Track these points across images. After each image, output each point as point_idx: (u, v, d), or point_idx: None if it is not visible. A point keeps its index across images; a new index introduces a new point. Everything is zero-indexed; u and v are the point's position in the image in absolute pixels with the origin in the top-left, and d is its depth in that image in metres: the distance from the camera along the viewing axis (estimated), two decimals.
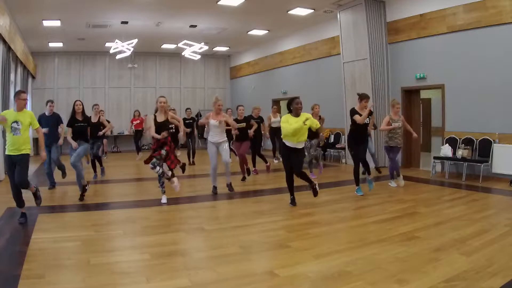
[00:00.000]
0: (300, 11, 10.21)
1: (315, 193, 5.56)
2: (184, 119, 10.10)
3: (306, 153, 7.63)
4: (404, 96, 9.22)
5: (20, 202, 4.74)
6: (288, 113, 5.48)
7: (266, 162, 8.90)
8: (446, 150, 7.80)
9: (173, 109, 9.21)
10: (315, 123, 5.45)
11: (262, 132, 9.13)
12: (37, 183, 7.34)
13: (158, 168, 5.71)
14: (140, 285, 2.98)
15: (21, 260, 3.45)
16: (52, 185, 7.10)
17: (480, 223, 4.54)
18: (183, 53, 13.11)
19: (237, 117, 7.83)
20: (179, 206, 5.73)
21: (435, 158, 8.16)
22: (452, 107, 8.12)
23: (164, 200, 5.86)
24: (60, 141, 6.64)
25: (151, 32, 12.14)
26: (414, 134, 7.29)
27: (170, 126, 6.07)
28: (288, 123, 5.29)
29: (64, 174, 7.24)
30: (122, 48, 11.65)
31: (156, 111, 5.89)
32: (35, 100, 13.67)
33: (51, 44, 13.36)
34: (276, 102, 14.15)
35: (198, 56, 13.14)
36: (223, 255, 3.61)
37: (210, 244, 4.05)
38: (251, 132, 7.78)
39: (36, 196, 4.90)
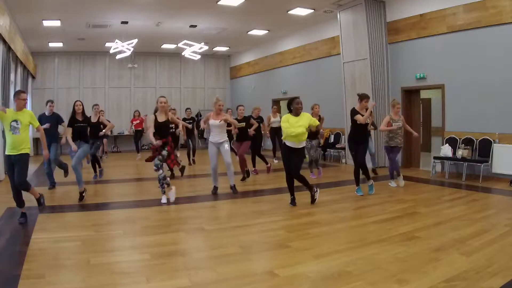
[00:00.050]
0: (300, 11, 10.21)
1: (313, 201, 5.58)
2: (184, 119, 10.10)
3: (306, 154, 7.64)
4: (404, 96, 9.22)
5: (20, 202, 4.74)
6: (288, 113, 5.48)
7: (267, 163, 8.90)
8: (446, 150, 7.80)
9: (173, 109, 9.22)
10: (314, 122, 5.45)
11: (262, 132, 9.14)
12: (37, 183, 7.37)
13: (161, 171, 5.73)
14: (140, 285, 2.98)
15: (21, 260, 3.45)
16: (52, 185, 7.10)
17: (480, 223, 4.54)
18: (183, 53, 13.11)
19: (237, 117, 7.83)
20: (179, 206, 5.73)
21: (435, 158, 8.16)
22: (452, 107, 8.12)
23: (164, 200, 5.86)
24: (63, 140, 6.57)
25: (151, 32, 12.15)
26: (415, 134, 7.31)
27: (170, 126, 6.07)
28: (288, 123, 5.29)
29: (66, 173, 7.20)
30: (122, 48, 11.65)
31: (156, 111, 5.89)
32: (35, 100, 13.69)
33: (51, 44, 13.36)
34: (276, 102, 14.15)
35: (198, 56, 13.14)
36: (223, 255, 3.61)
37: (210, 244, 4.05)
38: (251, 130, 7.78)
39: (39, 202, 4.89)
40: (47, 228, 4.52)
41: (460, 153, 7.55)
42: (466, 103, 7.79)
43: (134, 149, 12.74)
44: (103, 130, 8.18)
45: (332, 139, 11.14)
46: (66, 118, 6.76)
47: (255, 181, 7.86)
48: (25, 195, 4.78)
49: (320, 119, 7.80)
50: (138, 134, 12.42)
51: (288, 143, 5.37)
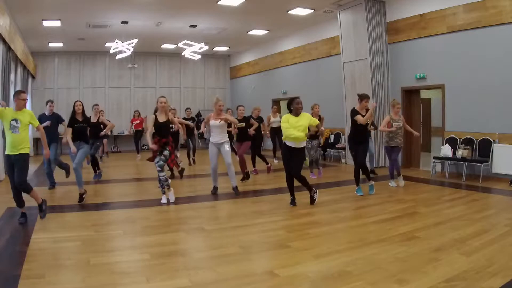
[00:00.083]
0: (300, 11, 10.21)
1: (312, 201, 5.59)
2: (184, 119, 10.10)
3: (306, 153, 7.64)
4: (404, 96, 9.22)
5: (20, 202, 4.74)
6: (288, 112, 5.48)
7: (267, 163, 8.90)
8: (446, 150, 7.80)
9: (174, 109, 9.23)
10: (314, 121, 5.46)
11: (262, 132, 9.13)
12: (37, 183, 7.37)
13: (163, 173, 5.74)
14: (140, 285, 2.98)
15: (21, 260, 3.45)
16: (52, 185, 7.10)
17: (480, 223, 4.54)
18: (183, 53, 13.11)
19: (237, 117, 7.83)
20: (179, 206, 5.73)
21: (435, 158, 8.16)
22: (452, 107, 8.12)
23: (164, 200, 5.86)
24: (64, 140, 6.53)
25: (151, 32, 12.14)
26: (416, 133, 7.33)
27: (170, 126, 6.07)
28: (288, 123, 5.29)
29: (68, 174, 7.17)
30: (122, 48, 11.65)
31: (156, 111, 5.89)
32: (35, 100, 13.68)
33: (51, 44, 13.36)
34: (276, 102, 14.15)
35: (198, 56, 13.14)
36: (223, 255, 3.61)
37: (210, 244, 4.05)
38: (251, 130, 7.78)
39: (41, 208, 4.85)
40: (47, 228, 4.52)
41: (460, 153, 7.55)
42: (466, 103, 7.79)
43: (134, 149, 12.73)
44: (104, 130, 8.19)
45: (332, 139, 11.14)
46: (66, 118, 6.76)
47: (255, 181, 7.86)
48: (25, 195, 4.77)
49: (320, 119, 7.81)
50: (138, 134, 12.42)
51: (288, 143, 5.38)
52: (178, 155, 8.63)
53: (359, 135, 6.22)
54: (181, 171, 8.17)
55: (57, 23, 10.58)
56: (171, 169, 7.93)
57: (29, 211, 4.90)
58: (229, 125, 7.04)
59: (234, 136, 7.73)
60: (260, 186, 7.46)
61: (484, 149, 7.43)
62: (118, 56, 12.67)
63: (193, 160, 10.45)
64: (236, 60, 17.21)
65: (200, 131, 7.23)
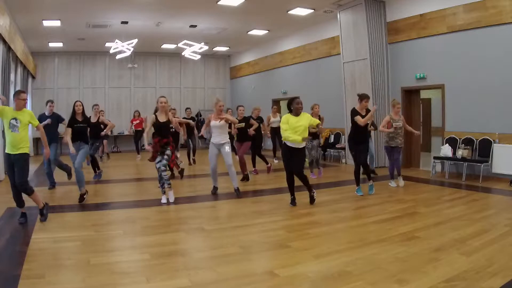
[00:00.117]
0: (300, 11, 10.21)
1: (312, 201, 5.59)
2: (184, 119, 10.09)
3: (307, 153, 7.64)
4: (404, 96, 9.22)
5: (20, 202, 4.74)
6: (289, 112, 5.48)
7: (267, 163, 8.90)
8: (446, 150, 7.80)
9: (174, 109, 9.23)
10: (314, 121, 5.46)
11: (262, 132, 9.13)
12: (37, 183, 7.37)
13: (165, 173, 5.75)
14: (140, 285, 2.98)
15: (21, 260, 3.45)
16: (52, 185, 7.10)
17: (480, 223, 4.54)
18: (183, 53, 13.11)
19: (237, 117, 7.83)
20: (179, 206, 5.73)
21: (435, 158, 8.16)
22: (452, 107, 8.12)
23: (164, 200, 5.86)
24: (65, 139, 6.51)
25: (151, 32, 12.15)
26: (416, 132, 7.34)
27: (170, 126, 6.07)
28: (287, 124, 5.29)
29: (69, 176, 7.13)
30: (122, 48, 11.65)
31: (156, 111, 5.89)
32: (35, 100, 13.68)
33: (51, 44, 13.36)
34: (276, 102, 14.15)
35: (198, 56, 13.14)
36: (223, 255, 3.61)
37: (210, 244, 4.05)
38: (251, 130, 7.77)
39: (42, 213, 4.81)
40: (47, 228, 4.52)
41: (460, 153, 7.55)
42: (466, 103, 7.79)
43: (134, 149, 12.73)
44: (104, 130, 8.20)
45: (332, 139, 11.14)
46: (66, 118, 6.75)
47: (255, 181, 7.86)
48: (25, 195, 4.77)
49: (320, 119, 7.81)
50: (138, 134, 12.40)
51: (288, 143, 5.38)
52: (178, 155, 8.63)
53: (359, 135, 6.22)
54: (181, 171, 8.18)
55: (57, 23, 10.58)
56: (171, 169, 7.93)
57: (29, 211, 4.90)
58: (230, 126, 7.03)
59: (235, 136, 7.73)
60: (260, 186, 7.46)
61: (484, 149, 7.43)
62: (118, 56, 12.67)
63: (193, 160, 10.45)
64: (236, 60, 17.21)
65: (200, 134, 7.22)
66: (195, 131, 10.51)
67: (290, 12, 10.21)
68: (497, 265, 3.19)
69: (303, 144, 5.44)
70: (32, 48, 13.51)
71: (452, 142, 7.90)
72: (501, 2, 7.02)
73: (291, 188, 5.61)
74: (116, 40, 11.50)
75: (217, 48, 15.61)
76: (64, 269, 3.31)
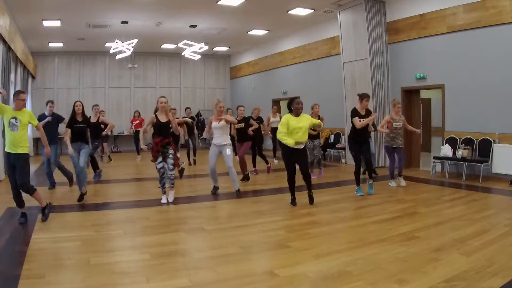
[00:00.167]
0: (300, 11, 10.21)
1: (311, 201, 5.60)
2: (183, 118, 10.08)
3: (308, 153, 7.65)
4: (404, 96, 9.22)
5: (20, 202, 4.74)
6: (289, 113, 5.48)
7: (267, 163, 8.90)
8: (446, 150, 7.80)
9: (174, 109, 9.23)
10: (314, 121, 5.47)
11: (263, 132, 9.13)
12: (37, 183, 7.36)
13: (173, 172, 5.81)
14: (140, 285, 2.98)
15: (21, 260, 3.45)
16: (52, 185, 7.10)
17: (480, 223, 4.54)
18: (183, 53, 13.11)
19: (237, 118, 7.83)
20: (179, 206, 5.73)
21: (435, 158, 8.16)
22: (452, 107, 8.12)
23: (164, 200, 5.87)
24: (65, 138, 6.50)
25: (151, 32, 12.14)
26: (417, 130, 7.35)
27: (170, 126, 6.07)
28: (287, 126, 5.29)
29: (71, 182, 7.09)
30: (122, 48, 11.65)
31: (156, 111, 5.89)
32: (35, 100, 13.68)
33: (51, 44, 13.36)
34: (276, 102, 14.15)
35: (198, 56, 13.14)
36: (223, 255, 3.61)
37: (210, 244, 4.05)
38: (250, 130, 7.76)
39: (43, 212, 4.81)
40: (47, 228, 4.52)
41: (460, 153, 7.55)
42: (466, 103, 7.79)
43: (134, 149, 12.73)
44: (105, 130, 8.22)
45: (332, 139, 11.14)
46: (66, 118, 6.74)
47: (255, 181, 7.86)
48: (25, 195, 4.77)
49: (319, 119, 7.81)
50: (138, 134, 12.35)
51: (291, 145, 5.36)
52: (178, 155, 8.63)
53: (359, 135, 6.22)
54: (181, 171, 8.18)
55: (57, 23, 10.58)
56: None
57: (29, 211, 4.90)
58: (231, 127, 7.03)
59: (235, 136, 7.73)
60: (260, 186, 7.46)
61: (484, 149, 7.43)
62: (118, 56, 12.67)
63: (194, 160, 10.42)
64: (236, 60, 17.21)
65: (202, 137, 7.21)
66: (195, 131, 10.51)
67: (290, 12, 10.21)
68: (497, 265, 3.19)
69: (302, 145, 5.44)
70: (32, 48, 13.52)
71: (452, 142, 7.90)
72: (501, 2, 7.02)
73: (292, 188, 5.61)
74: (116, 40, 11.50)
75: (217, 48, 15.61)
76: (64, 269, 3.31)
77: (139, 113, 12.95)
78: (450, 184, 7.21)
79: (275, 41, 13.96)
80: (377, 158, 9.20)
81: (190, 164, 10.21)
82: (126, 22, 10.92)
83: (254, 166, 8.79)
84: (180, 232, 4.47)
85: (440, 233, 4.19)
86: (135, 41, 11.53)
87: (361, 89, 8.91)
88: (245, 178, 7.76)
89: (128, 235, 4.37)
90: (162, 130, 5.78)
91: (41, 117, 6.79)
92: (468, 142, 7.67)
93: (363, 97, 6.20)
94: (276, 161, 10.54)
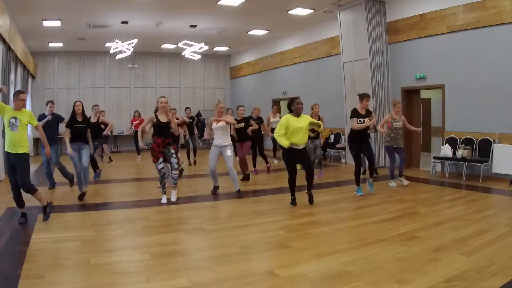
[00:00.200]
0: (300, 11, 10.21)
1: (311, 201, 5.60)
2: (184, 118, 10.08)
3: (312, 153, 7.66)
4: (404, 96, 9.21)
5: (20, 202, 4.74)
6: (289, 113, 5.48)
7: (267, 163, 8.90)
8: (446, 150, 7.80)
9: (174, 109, 9.23)
10: (314, 122, 5.48)
11: (263, 132, 9.13)
12: (37, 183, 7.35)
13: (177, 172, 5.85)
14: (140, 285, 2.98)
15: (21, 260, 3.45)
16: (52, 185, 7.10)
17: (480, 223, 4.54)
18: (183, 53, 13.11)
19: (236, 117, 7.83)
20: (179, 206, 5.73)
21: (435, 158, 8.16)
22: (452, 107, 8.12)
23: (164, 200, 5.86)
24: (65, 138, 6.49)
25: (151, 32, 12.14)
26: (418, 129, 7.35)
27: (170, 126, 6.07)
28: (286, 127, 5.28)
29: (71, 183, 7.10)
30: (122, 48, 11.65)
31: (156, 111, 5.89)
32: (35, 100, 13.68)
33: (51, 44, 13.36)
34: (276, 102, 14.15)
35: (198, 56, 13.13)
36: (223, 255, 3.61)
37: (210, 244, 4.05)
38: (249, 130, 7.75)
39: (45, 211, 4.82)
40: (47, 228, 4.52)
41: (460, 153, 7.55)
42: (466, 103, 7.79)
43: (134, 150, 12.72)
44: (106, 129, 8.22)
45: (332, 139, 11.14)
46: (66, 118, 6.74)
47: (255, 181, 7.85)
48: (25, 195, 4.77)
49: (319, 119, 7.82)
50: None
51: (293, 146, 5.36)
52: (179, 155, 8.62)
53: (359, 135, 6.22)
54: (181, 171, 8.17)
55: (57, 23, 10.58)
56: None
57: (29, 211, 4.90)
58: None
59: (234, 136, 7.72)
60: (260, 186, 7.46)
61: (484, 149, 7.43)
62: (118, 56, 12.66)
63: (194, 161, 10.41)
64: (236, 60, 17.21)
65: (203, 138, 7.21)
66: (195, 131, 10.50)
67: (290, 12, 10.21)
68: (497, 265, 3.19)
69: (302, 146, 5.44)
70: (32, 48, 13.51)
71: (452, 142, 7.90)
72: (501, 2, 7.02)
73: (293, 188, 5.60)
74: (116, 40, 11.50)
75: (217, 48, 15.61)
76: (64, 269, 3.31)
77: (139, 113, 12.96)
78: (450, 184, 7.21)
79: (275, 41, 13.96)
80: (377, 158, 9.19)
81: (190, 164, 10.21)
82: (126, 22, 10.92)
83: (254, 166, 8.79)
84: (180, 232, 4.47)
85: (440, 233, 4.19)
86: (135, 41, 11.53)
87: (361, 89, 8.91)
88: (245, 178, 7.75)
89: (128, 235, 4.37)
90: (162, 130, 5.78)
91: (41, 117, 6.79)
92: (468, 142, 7.67)
93: (363, 97, 6.20)
94: (276, 161, 10.53)
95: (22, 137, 4.64)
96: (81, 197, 5.98)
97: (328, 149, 11.02)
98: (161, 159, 5.75)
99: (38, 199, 4.77)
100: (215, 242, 4.06)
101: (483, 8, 7.29)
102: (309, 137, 5.89)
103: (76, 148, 6.16)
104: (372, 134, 8.39)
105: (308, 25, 11.68)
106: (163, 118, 5.80)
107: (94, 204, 5.85)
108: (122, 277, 3.12)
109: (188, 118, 10.45)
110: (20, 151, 4.60)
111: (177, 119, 8.34)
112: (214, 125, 6.28)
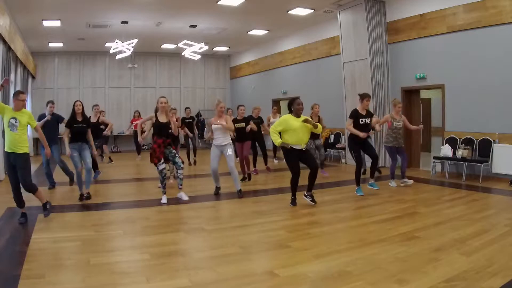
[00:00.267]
0: (300, 11, 10.21)
1: (314, 201, 5.59)
2: (184, 118, 10.09)
3: (317, 153, 7.65)
4: (404, 96, 9.21)
5: (20, 202, 4.74)
6: (289, 113, 5.48)
7: (266, 164, 8.90)
8: (446, 150, 7.80)
9: (174, 109, 9.22)
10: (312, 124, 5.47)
11: (263, 132, 9.13)
12: (36, 183, 7.34)
13: (182, 171, 5.90)
14: (140, 285, 2.98)
15: (21, 260, 3.45)
16: (52, 185, 7.10)
17: (480, 223, 4.54)
18: (183, 53, 13.11)
19: (237, 117, 7.83)
20: (179, 206, 5.73)
21: (435, 158, 8.16)
22: (452, 107, 8.12)
23: (164, 200, 5.86)
24: (64, 138, 6.48)
25: (151, 32, 12.15)
26: (419, 127, 7.35)
27: (170, 126, 6.07)
28: (285, 125, 5.28)
29: (72, 182, 7.13)
30: (122, 48, 11.65)
31: (156, 111, 5.89)
32: (35, 100, 13.68)
33: (51, 44, 13.36)
34: (276, 102, 14.15)
35: (198, 56, 13.13)
36: (223, 255, 3.61)
37: (210, 244, 4.05)
38: (248, 128, 7.73)
39: (45, 207, 4.84)
40: (47, 228, 4.52)
41: (460, 153, 7.55)
42: (466, 103, 7.79)
43: (134, 150, 12.73)
44: (106, 129, 8.23)
45: (332, 139, 11.14)
46: (66, 118, 6.74)
47: (255, 181, 7.85)
48: (25, 195, 4.77)
49: (319, 119, 7.84)
50: None
51: (294, 146, 5.36)
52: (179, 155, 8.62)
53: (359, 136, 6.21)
54: None
55: (57, 23, 10.58)
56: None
57: (29, 211, 4.90)
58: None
59: (235, 137, 7.72)
60: (260, 186, 7.46)
61: (484, 149, 7.43)
62: (118, 56, 12.66)
63: (194, 161, 10.41)
64: (236, 60, 17.21)
65: (204, 139, 7.21)
66: (195, 131, 10.50)
67: (290, 12, 10.21)
68: (497, 265, 3.19)
69: (303, 146, 5.43)
70: (32, 48, 13.51)
71: (452, 142, 7.90)
72: (501, 2, 7.02)
73: (294, 188, 5.58)
74: (116, 40, 11.49)
75: (217, 48, 15.61)
76: (64, 269, 3.31)
77: (139, 113, 12.96)
78: (450, 184, 7.21)
79: (275, 41, 13.95)
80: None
81: (190, 164, 10.21)
82: (126, 22, 10.92)
83: (255, 166, 8.79)
84: (180, 232, 4.47)
85: (440, 233, 4.19)
86: (135, 41, 11.53)
87: (361, 89, 8.91)
88: (246, 178, 7.75)
89: (128, 235, 4.37)
90: (162, 130, 5.78)
91: (41, 117, 6.80)
92: (468, 142, 7.67)
93: (363, 97, 6.20)
94: (276, 161, 10.53)
95: (22, 137, 4.65)
96: (81, 197, 5.97)
97: (328, 149, 11.01)
98: (162, 160, 5.76)
99: (39, 197, 4.79)
100: (215, 242, 4.06)
101: (483, 8, 7.29)
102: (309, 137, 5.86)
103: (77, 148, 6.14)
104: (372, 135, 8.38)
105: (308, 25, 11.68)
106: (162, 119, 5.80)
107: (94, 204, 5.85)
108: (122, 277, 3.12)
109: (188, 118, 10.45)
110: (20, 151, 4.60)
111: (177, 119, 8.33)
112: (215, 126, 6.28)
